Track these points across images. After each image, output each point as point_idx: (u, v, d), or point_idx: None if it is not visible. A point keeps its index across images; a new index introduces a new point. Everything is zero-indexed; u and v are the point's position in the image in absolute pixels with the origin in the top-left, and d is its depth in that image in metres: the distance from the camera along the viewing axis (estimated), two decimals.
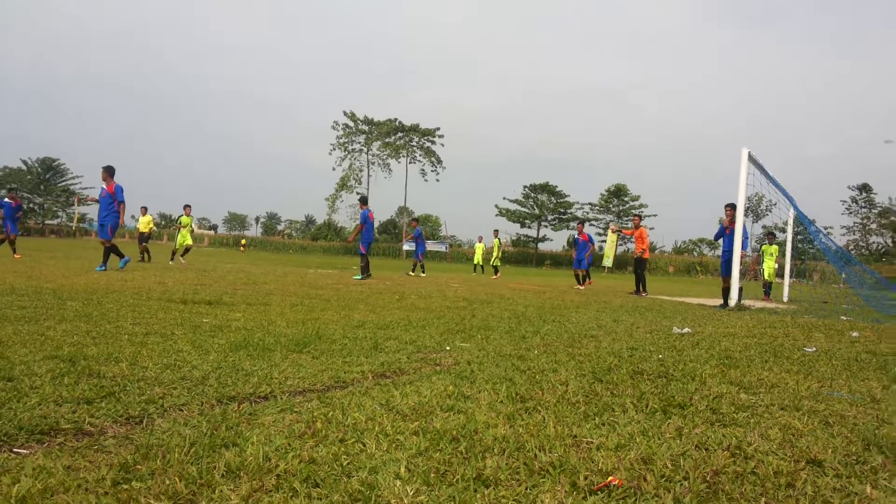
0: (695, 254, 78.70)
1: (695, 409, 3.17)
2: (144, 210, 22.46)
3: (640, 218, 18.05)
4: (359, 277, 15.93)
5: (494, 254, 27.32)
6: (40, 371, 3.34)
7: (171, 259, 20.84)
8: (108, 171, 13.78)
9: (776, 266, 18.84)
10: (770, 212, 61.73)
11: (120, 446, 2.31)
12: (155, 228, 20.97)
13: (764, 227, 65.97)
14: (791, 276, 19.20)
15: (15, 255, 17.10)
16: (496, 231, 27.58)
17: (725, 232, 12.95)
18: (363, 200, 18.14)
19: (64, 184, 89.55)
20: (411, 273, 22.11)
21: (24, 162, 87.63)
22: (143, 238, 21.32)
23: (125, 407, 2.78)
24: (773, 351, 5.55)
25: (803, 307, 13.01)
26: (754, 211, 65.30)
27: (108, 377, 3.30)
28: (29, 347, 3.99)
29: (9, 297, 6.69)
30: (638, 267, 16.76)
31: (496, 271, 26.79)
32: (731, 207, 12.47)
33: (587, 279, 19.27)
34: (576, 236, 19.94)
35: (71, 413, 2.65)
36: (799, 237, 30.50)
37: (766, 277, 18.57)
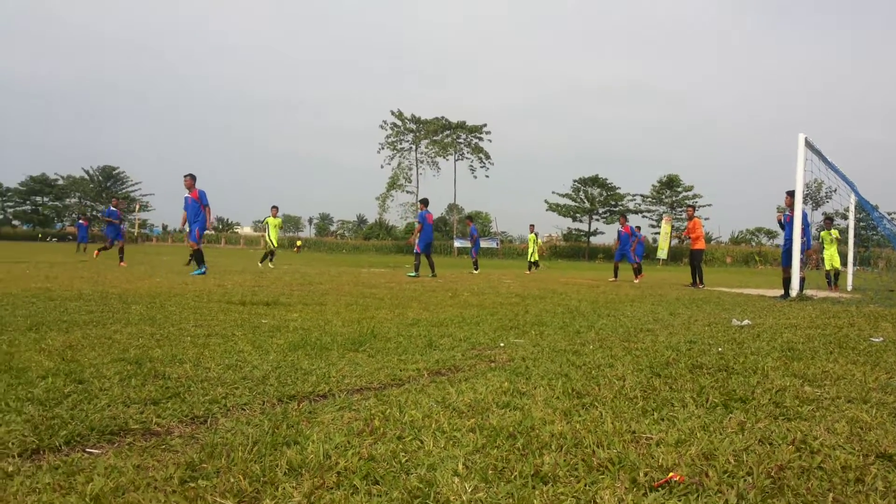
0: (753, 243, 76.76)
1: (757, 403, 3.11)
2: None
3: (694, 209, 17.60)
4: (413, 275, 16.20)
5: (530, 249, 26.00)
6: (109, 373, 3.47)
7: (261, 262, 21.17)
8: (192, 178, 14.44)
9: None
10: (830, 198, 59.77)
11: (186, 445, 2.38)
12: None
13: (824, 213, 63.99)
14: (855, 265, 18.56)
15: (121, 264, 17.61)
16: (532, 226, 26.24)
17: (786, 220, 12.60)
18: (424, 202, 18.07)
19: (125, 191, 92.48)
20: (475, 272, 21.24)
21: (86, 171, 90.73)
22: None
23: (190, 407, 2.87)
24: (838, 342, 5.38)
25: (868, 296, 12.56)
26: (813, 198, 63.30)
27: (172, 378, 3.40)
28: (98, 351, 4.15)
29: (77, 303, 6.96)
30: (693, 259, 16.41)
31: (532, 266, 25.57)
32: (791, 195, 12.09)
33: (639, 273, 18.58)
34: (619, 229, 19.30)
35: (139, 413, 2.74)
36: (862, 224, 29.47)
37: (826, 267, 17.86)
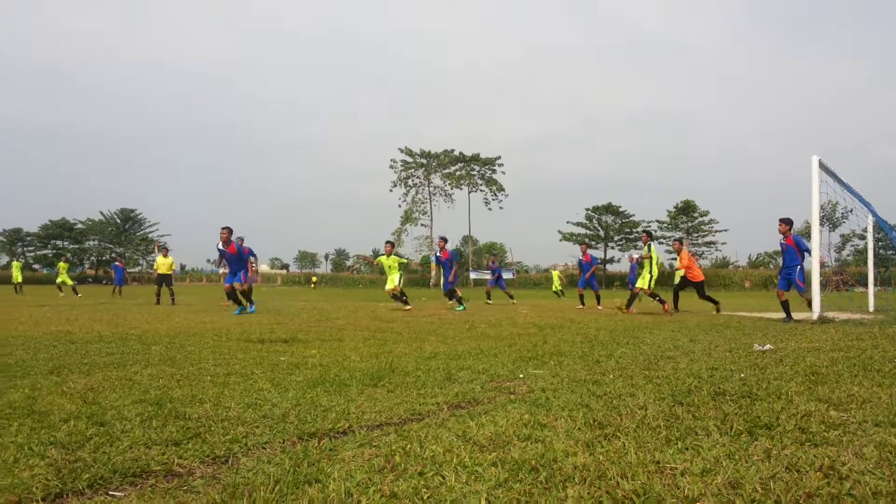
0: (770, 266, 76.07)
1: (782, 429, 3.06)
2: (165, 251, 21.83)
3: (680, 242, 17.72)
4: (461, 308, 16.39)
5: (555, 284, 28.83)
6: (130, 415, 3.48)
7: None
8: (228, 231, 14.51)
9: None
10: (846, 219, 59.24)
11: (208, 486, 2.38)
12: (177, 271, 21.07)
13: (842, 235, 63.43)
14: (875, 285, 18.29)
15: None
16: (554, 265, 29.31)
17: (784, 247, 12.61)
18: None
19: (142, 233, 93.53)
20: (513, 301, 21.86)
21: (103, 214, 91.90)
22: (161, 281, 20.59)
23: (211, 447, 2.87)
24: (863, 364, 5.30)
25: (891, 317, 12.39)
26: (829, 219, 62.78)
27: (193, 418, 3.41)
28: (118, 392, 4.17)
29: (97, 345, 7.01)
30: (698, 290, 16.38)
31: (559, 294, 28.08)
32: (784, 222, 12.14)
33: (600, 301, 18.41)
34: (580, 258, 19.60)
35: (160, 455, 2.75)
36: (880, 244, 29.12)
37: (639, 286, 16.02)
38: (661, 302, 15.43)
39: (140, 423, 3.29)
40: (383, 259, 17.61)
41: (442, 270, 17.51)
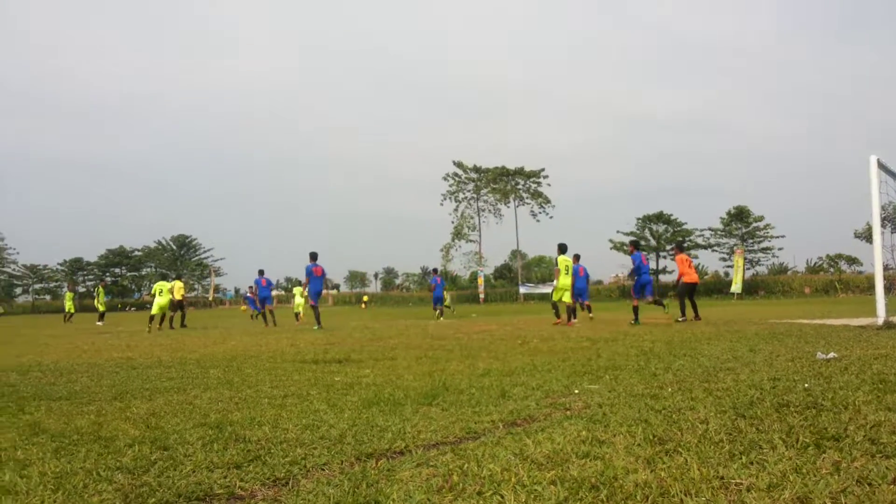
0: (831, 271, 73.78)
1: (851, 441, 2.95)
2: (178, 276, 24.52)
3: (678, 247, 17.63)
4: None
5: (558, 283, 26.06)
6: (192, 439, 3.55)
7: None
8: (312, 257, 17.18)
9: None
10: None
11: None
12: (186, 294, 21.60)
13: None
14: None
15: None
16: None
17: (641, 260, 16.12)
18: (312, 256, 17.49)
19: (197, 258, 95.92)
20: (591, 315, 19.78)
21: (159, 242, 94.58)
22: (175, 306, 20.78)
23: (271, 469, 2.91)
24: None
25: None
26: (892, 220, 60.68)
27: (253, 441, 3.47)
28: (180, 417, 4.26)
29: (157, 370, 7.19)
30: (679, 290, 16.36)
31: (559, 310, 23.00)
32: (632, 244, 16.22)
33: (573, 315, 16.88)
34: (574, 267, 18.02)
35: (222, 478, 2.80)
36: None
37: (555, 298, 16.41)
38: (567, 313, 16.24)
39: (202, 447, 3.35)
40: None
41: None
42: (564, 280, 16.15)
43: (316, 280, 17.21)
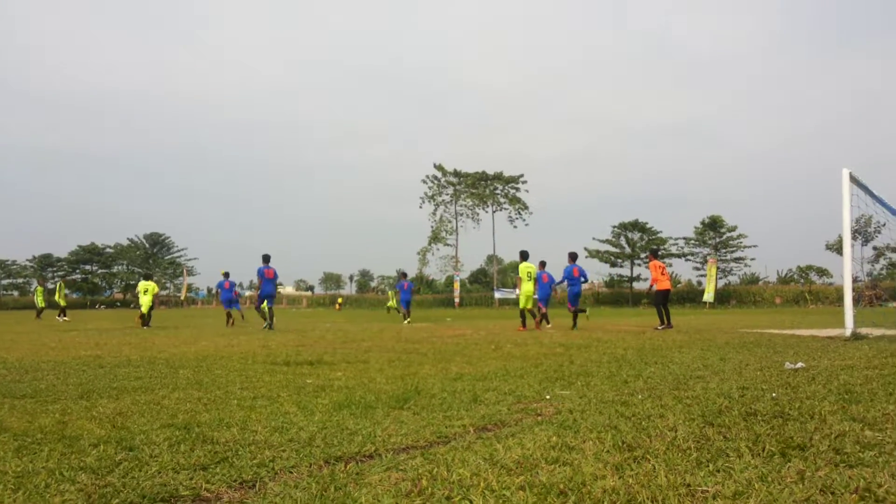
0: (802, 282, 74.84)
1: (816, 450, 2.99)
2: (146, 277, 24.91)
3: (653, 254, 17.49)
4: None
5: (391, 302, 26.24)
6: (158, 439, 3.50)
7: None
8: (265, 259, 17.53)
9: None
10: (879, 233, 58.10)
11: None
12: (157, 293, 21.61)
13: (875, 248, 62.38)
14: None
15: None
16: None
17: (572, 273, 17.31)
18: (265, 258, 17.77)
19: (170, 257, 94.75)
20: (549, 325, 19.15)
21: (131, 240, 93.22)
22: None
23: (238, 471, 2.88)
24: None
25: None
26: (863, 233, 61.68)
27: (220, 442, 3.43)
28: (147, 417, 4.20)
29: (126, 369, 7.09)
30: (655, 299, 16.48)
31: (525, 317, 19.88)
32: (571, 256, 17.26)
33: (542, 321, 17.36)
34: (538, 274, 18.20)
35: (188, 479, 2.76)
36: None
37: (521, 305, 17.02)
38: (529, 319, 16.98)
39: (168, 448, 3.31)
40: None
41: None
42: (527, 286, 16.81)
43: (268, 282, 17.84)
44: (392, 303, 35.62)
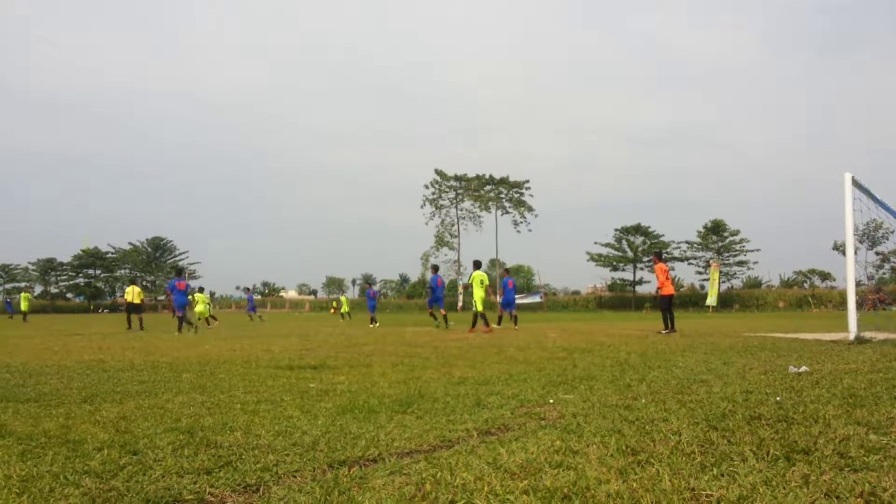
0: (805, 285, 74.74)
1: (820, 454, 2.99)
2: (132, 281, 27.12)
3: (658, 256, 17.68)
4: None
5: (344, 307, 25.59)
6: (162, 443, 3.51)
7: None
8: (177, 272, 20.99)
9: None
10: (887, 238, 57.88)
11: None
12: (146, 299, 22.42)
13: (878, 253, 62.20)
14: None
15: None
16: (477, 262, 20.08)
17: (508, 286, 21.37)
18: (477, 265, 19.63)
19: (173, 260, 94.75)
20: (516, 327, 19.95)
21: (133, 244, 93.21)
22: (132, 308, 22.54)
23: (242, 475, 2.88)
24: None
25: None
26: (870, 237, 61.43)
27: (224, 447, 3.43)
28: (150, 421, 4.21)
29: (129, 373, 7.10)
30: (661, 304, 16.74)
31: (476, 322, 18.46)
32: (433, 268, 21.17)
33: (501, 322, 20.23)
34: (504, 280, 21.71)
35: (192, 484, 2.76)
36: None
37: (477, 308, 18.36)
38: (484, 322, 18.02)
39: (172, 452, 3.31)
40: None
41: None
42: (478, 292, 18.55)
43: (179, 294, 19.92)
44: (345, 308, 37.49)
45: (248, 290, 37.19)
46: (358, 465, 3.06)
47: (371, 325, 23.13)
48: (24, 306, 33.87)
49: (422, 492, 2.56)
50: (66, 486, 2.73)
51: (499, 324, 19.90)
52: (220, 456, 3.23)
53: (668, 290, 16.40)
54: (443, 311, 21.49)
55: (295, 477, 2.89)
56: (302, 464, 3.09)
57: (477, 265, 19.51)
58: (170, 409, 4.70)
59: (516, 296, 28.06)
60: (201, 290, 25.89)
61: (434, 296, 22.37)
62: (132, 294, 22.59)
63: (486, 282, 18.97)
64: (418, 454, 3.27)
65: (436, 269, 22.94)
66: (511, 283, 21.72)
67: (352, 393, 5.45)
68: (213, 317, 26.74)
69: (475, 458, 3.09)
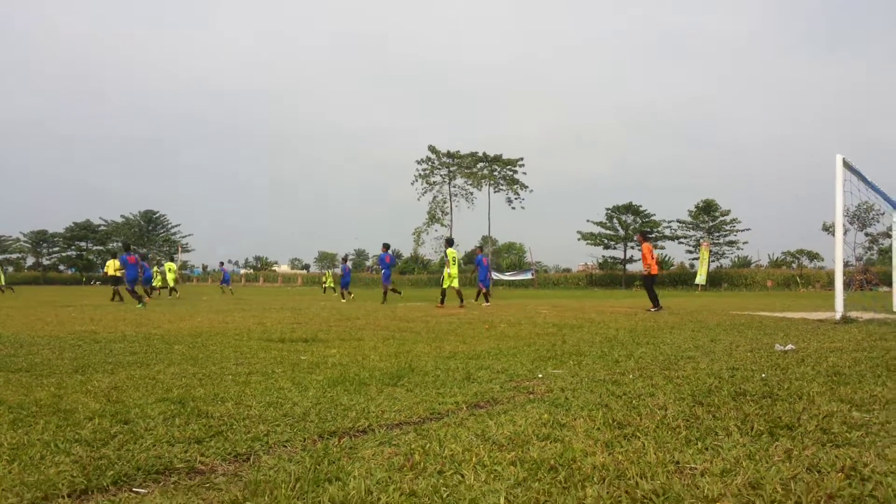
0: (794, 266, 75.15)
1: (804, 430, 3.04)
2: (113, 255, 27.73)
3: (643, 235, 17.85)
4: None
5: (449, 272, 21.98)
6: (153, 413, 3.53)
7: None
8: (125, 248, 20.48)
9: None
10: (878, 220, 58.09)
11: (230, 483, 2.42)
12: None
13: (867, 234, 62.51)
14: None
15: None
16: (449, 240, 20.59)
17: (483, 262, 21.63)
18: (450, 242, 20.04)
19: (165, 234, 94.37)
20: (487, 303, 19.92)
21: (125, 217, 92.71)
22: (113, 281, 24.08)
23: (233, 445, 2.91)
24: (886, 365, 5.23)
25: None
26: (860, 218, 61.66)
27: (215, 417, 3.45)
28: (142, 391, 4.23)
29: (121, 344, 7.10)
30: (645, 283, 16.92)
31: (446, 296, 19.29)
32: (384, 246, 21.73)
33: (486, 298, 20.63)
34: (478, 257, 22.55)
35: (183, 452, 2.79)
36: None
37: (445, 285, 18.86)
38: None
39: (163, 422, 3.34)
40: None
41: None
42: (453, 269, 18.88)
43: (131, 267, 19.98)
44: (330, 283, 40.14)
45: (222, 263, 40.56)
46: (348, 436, 3.09)
47: (343, 300, 23.99)
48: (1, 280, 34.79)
49: (410, 462, 2.59)
50: (57, 454, 2.75)
51: (487, 300, 20.20)
52: (210, 426, 3.25)
53: (655, 269, 16.62)
54: (390, 287, 23.44)
55: (285, 447, 2.92)
56: (292, 434, 3.12)
57: (450, 243, 20.12)
58: (161, 379, 4.72)
59: (507, 273, 28.70)
60: (172, 259, 27.30)
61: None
62: (112, 267, 23.68)
63: (458, 259, 19.54)
64: (408, 426, 3.31)
65: (386, 246, 23.93)
66: (485, 260, 22.30)
67: (343, 366, 5.48)
68: (174, 289, 29.16)
69: (464, 431, 3.13)
